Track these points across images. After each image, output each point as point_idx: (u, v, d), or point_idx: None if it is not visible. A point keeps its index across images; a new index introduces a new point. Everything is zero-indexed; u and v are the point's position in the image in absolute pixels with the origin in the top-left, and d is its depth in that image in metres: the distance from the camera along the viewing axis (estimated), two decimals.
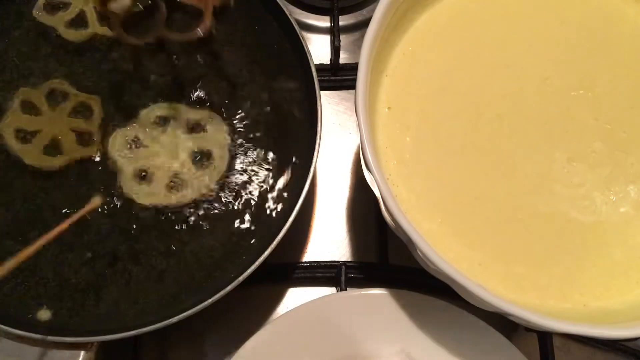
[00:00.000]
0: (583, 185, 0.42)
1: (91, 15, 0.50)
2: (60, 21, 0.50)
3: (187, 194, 0.46)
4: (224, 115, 0.49)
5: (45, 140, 0.47)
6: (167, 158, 0.47)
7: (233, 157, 0.48)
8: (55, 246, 0.46)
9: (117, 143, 0.47)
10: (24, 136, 0.47)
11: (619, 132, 0.43)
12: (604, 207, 0.41)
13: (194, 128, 0.48)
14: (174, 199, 0.46)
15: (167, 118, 0.48)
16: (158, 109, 0.48)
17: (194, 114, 0.48)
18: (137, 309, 0.45)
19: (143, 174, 0.47)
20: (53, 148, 0.47)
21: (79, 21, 0.50)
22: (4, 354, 0.43)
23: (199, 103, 0.49)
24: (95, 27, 0.50)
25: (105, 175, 0.47)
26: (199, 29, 0.41)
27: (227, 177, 0.47)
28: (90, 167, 0.47)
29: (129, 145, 0.47)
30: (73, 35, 0.50)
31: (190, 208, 0.46)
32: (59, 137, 0.47)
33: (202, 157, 0.48)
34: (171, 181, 0.47)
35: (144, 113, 0.48)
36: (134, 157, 0.47)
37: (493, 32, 0.45)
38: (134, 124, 0.48)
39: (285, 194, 0.48)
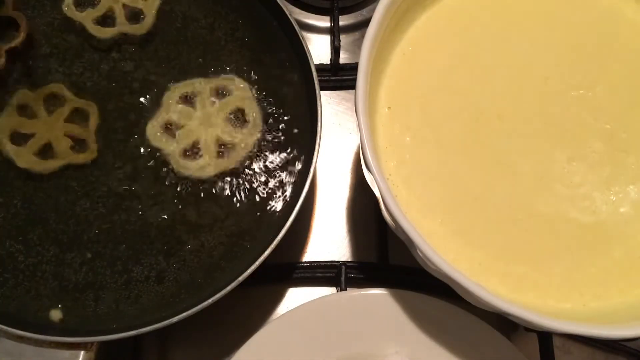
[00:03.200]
0: (583, 185, 0.42)
1: (120, 13, 0.50)
2: (89, 18, 0.50)
3: (240, 152, 0.48)
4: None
5: (39, 144, 0.46)
6: (206, 129, 0.48)
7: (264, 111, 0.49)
8: (55, 246, 0.46)
9: (155, 132, 0.48)
10: (18, 138, 0.47)
11: (619, 132, 0.43)
12: (604, 207, 0.41)
13: (220, 94, 0.49)
14: (227, 162, 0.48)
15: (190, 94, 0.49)
16: (178, 89, 0.49)
17: (214, 82, 0.49)
18: (137, 309, 0.45)
19: (190, 151, 0.48)
20: (47, 152, 0.47)
21: (107, 18, 0.50)
22: (4, 353, 0.43)
23: (213, 73, 0.50)
24: (123, 24, 0.50)
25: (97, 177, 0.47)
26: None
27: (267, 122, 0.49)
28: (91, 169, 0.47)
29: (167, 130, 0.48)
30: (101, 32, 0.50)
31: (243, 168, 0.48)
32: (54, 142, 0.47)
33: (237, 117, 0.49)
34: (219, 148, 0.48)
35: (166, 97, 0.49)
36: (176, 139, 0.48)
37: (493, 32, 0.45)
38: (162, 110, 0.48)
39: (285, 194, 0.48)
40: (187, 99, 0.49)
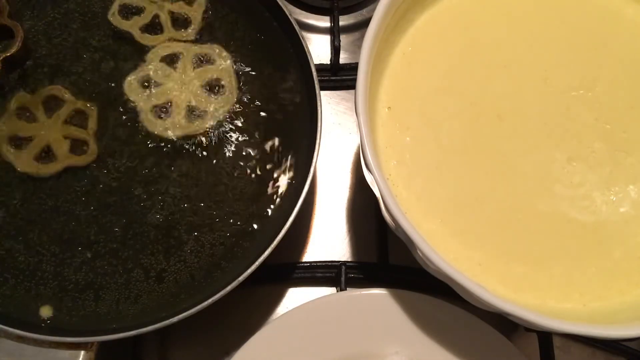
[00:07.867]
0: (583, 185, 0.42)
1: (166, 20, 0.50)
2: (135, 26, 0.50)
3: (207, 120, 0.49)
4: (230, 49, 0.51)
5: (38, 148, 0.46)
6: (181, 92, 0.49)
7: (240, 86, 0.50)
8: (55, 246, 0.46)
9: (133, 86, 0.49)
10: (18, 142, 0.47)
11: (619, 132, 0.43)
12: (604, 207, 0.41)
13: (202, 61, 0.50)
14: (193, 127, 0.48)
15: (174, 55, 0.50)
16: (163, 49, 0.50)
17: (199, 49, 0.50)
18: (137, 309, 0.45)
19: (162, 109, 0.49)
20: (47, 155, 0.47)
21: (154, 26, 0.50)
22: (4, 353, 0.43)
23: (203, 41, 0.51)
24: (170, 31, 0.50)
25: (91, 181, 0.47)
26: None
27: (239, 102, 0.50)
28: (91, 169, 0.47)
29: (145, 85, 0.49)
30: (148, 40, 0.50)
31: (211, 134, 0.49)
32: (53, 145, 0.46)
33: (213, 86, 0.49)
34: (189, 112, 0.49)
35: (150, 55, 0.49)
36: (150, 95, 0.49)
37: (493, 32, 0.45)
38: (144, 66, 0.49)
39: (285, 194, 0.48)
40: (170, 60, 0.49)
